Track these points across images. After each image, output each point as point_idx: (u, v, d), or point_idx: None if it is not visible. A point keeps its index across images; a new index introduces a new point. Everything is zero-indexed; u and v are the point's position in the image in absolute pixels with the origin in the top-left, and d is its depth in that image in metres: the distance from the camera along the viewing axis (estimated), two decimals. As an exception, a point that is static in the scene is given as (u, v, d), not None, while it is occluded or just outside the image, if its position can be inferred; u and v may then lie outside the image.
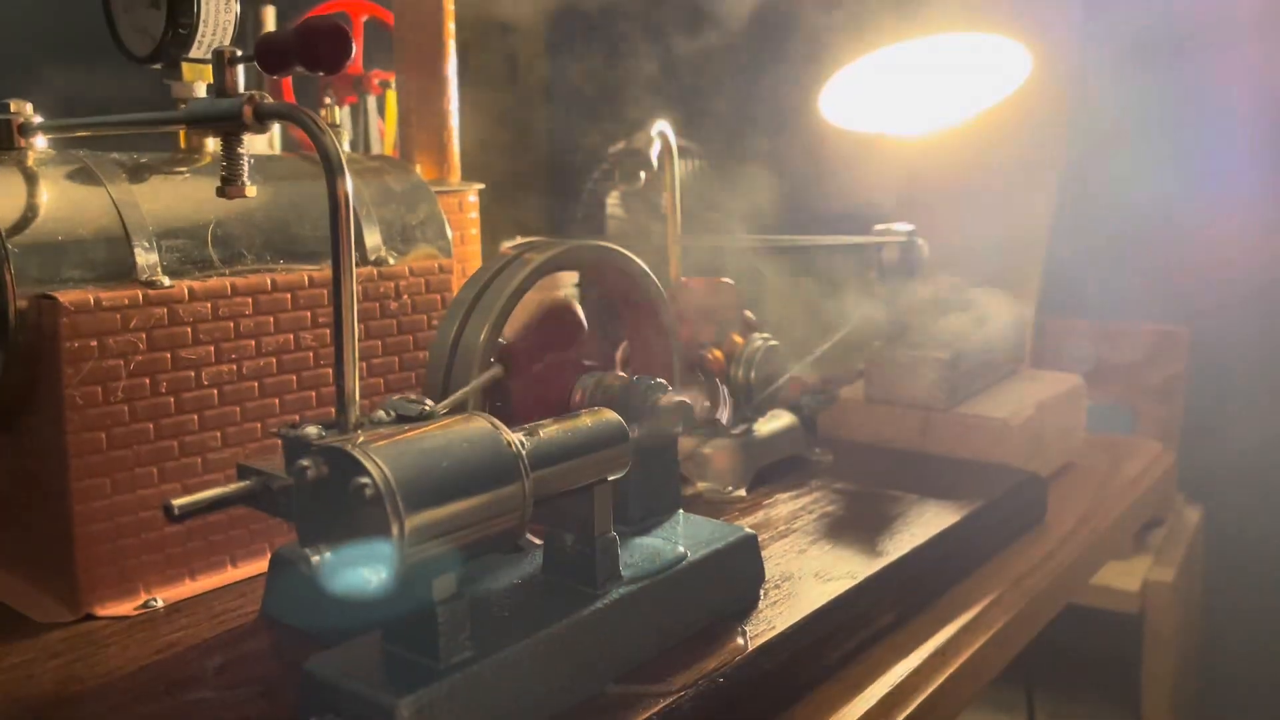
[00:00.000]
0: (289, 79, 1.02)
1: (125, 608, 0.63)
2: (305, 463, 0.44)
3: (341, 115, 1.14)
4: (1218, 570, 1.81)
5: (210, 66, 0.63)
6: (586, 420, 0.53)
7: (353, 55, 0.51)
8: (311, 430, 0.47)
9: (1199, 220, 1.70)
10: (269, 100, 0.51)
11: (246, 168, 0.57)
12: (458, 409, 0.53)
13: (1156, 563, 1.62)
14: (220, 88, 0.54)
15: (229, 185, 0.56)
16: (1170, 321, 1.79)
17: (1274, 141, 1.68)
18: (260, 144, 0.96)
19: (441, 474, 0.44)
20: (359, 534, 0.43)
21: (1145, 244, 1.73)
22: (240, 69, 0.55)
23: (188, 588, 0.65)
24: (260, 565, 0.67)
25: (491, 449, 0.47)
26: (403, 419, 0.48)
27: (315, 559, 0.44)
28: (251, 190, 0.57)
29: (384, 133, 1.18)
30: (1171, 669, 1.60)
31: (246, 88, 0.57)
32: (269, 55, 0.52)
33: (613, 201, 1.15)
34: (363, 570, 0.43)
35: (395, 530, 0.42)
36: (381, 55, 1.08)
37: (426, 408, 0.49)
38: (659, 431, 0.60)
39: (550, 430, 0.51)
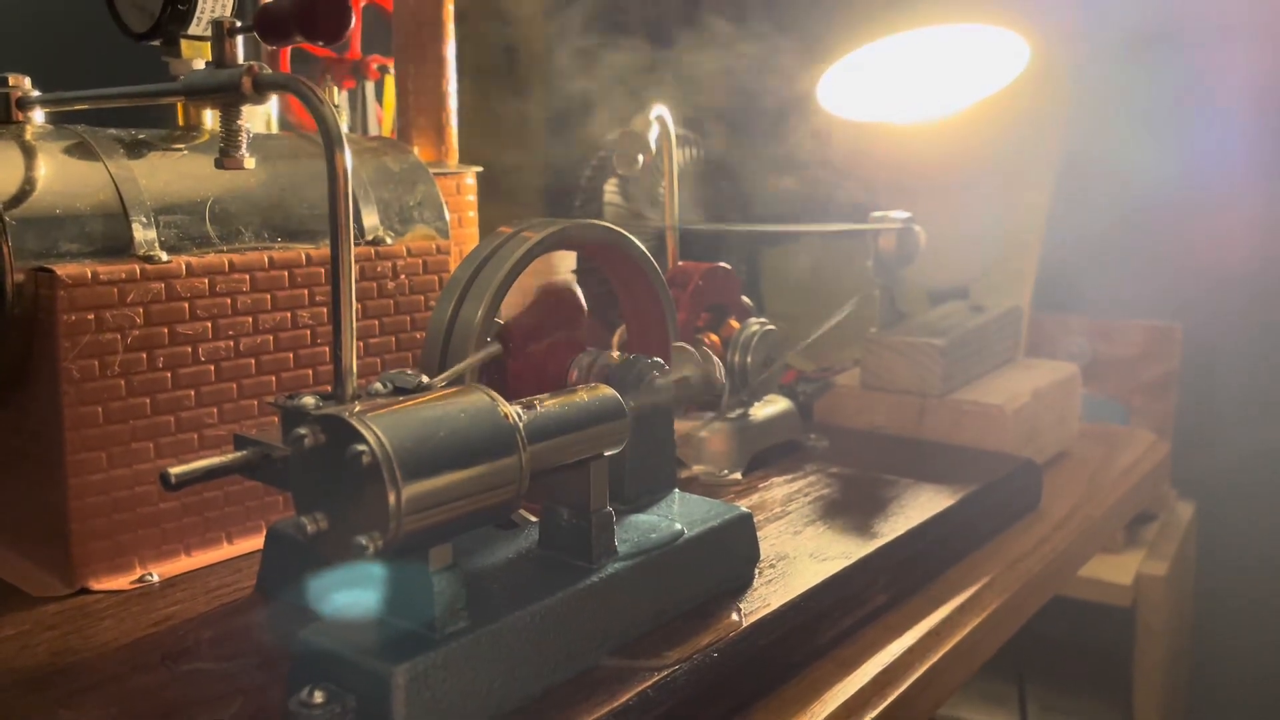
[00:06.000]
0: (287, 58, 1.01)
1: (120, 582, 0.63)
2: (303, 431, 0.44)
3: (340, 99, 1.14)
4: (1210, 565, 1.81)
5: (209, 44, 0.63)
6: (584, 395, 0.53)
7: (352, 24, 0.51)
8: (309, 400, 0.48)
9: (1195, 216, 1.70)
10: (268, 71, 0.51)
11: (245, 140, 0.56)
12: (455, 383, 0.53)
13: (1149, 557, 1.63)
14: (219, 59, 0.54)
15: (227, 157, 0.56)
16: (1164, 318, 1.79)
17: (1272, 138, 1.68)
18: (258, 124, 0.96)
19: (439, 443, 0.44)
20: (356, 502, 0.43)
21: (1141, 239, 1.74)
22: (240, 41, 0.55)
23: (183, 563, 0.66)
24: (256, 542, 0.67)
25: (489, 420, 0.47)
26: (400, 391, 0.48)
27: (311, 528, 0.44)
28: (250, 162, 0.57)
29: (382, 119, 1.18)
30: (1163, 662, 1.61)
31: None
32: (268, 25, 0.52)
33: (610, 189, 1.15)
34: (359, 538, 0.43)
35: (392, 498, 0.42)
36: (380, 42, 1.08)
37: (424, 380, 0.49)
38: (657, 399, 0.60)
39: (548, 404, 0.51)
